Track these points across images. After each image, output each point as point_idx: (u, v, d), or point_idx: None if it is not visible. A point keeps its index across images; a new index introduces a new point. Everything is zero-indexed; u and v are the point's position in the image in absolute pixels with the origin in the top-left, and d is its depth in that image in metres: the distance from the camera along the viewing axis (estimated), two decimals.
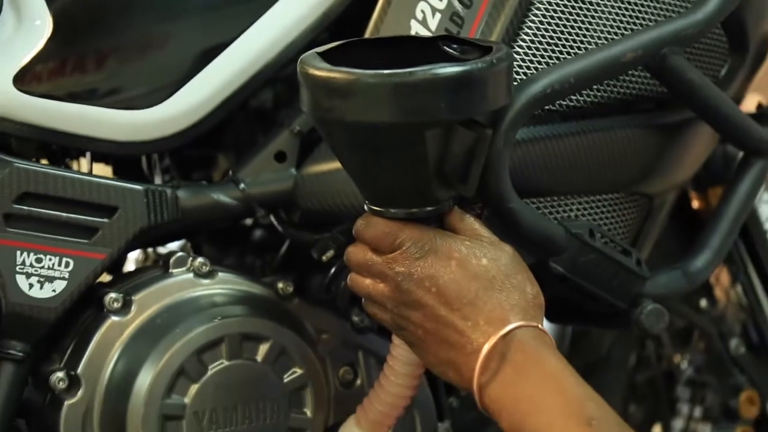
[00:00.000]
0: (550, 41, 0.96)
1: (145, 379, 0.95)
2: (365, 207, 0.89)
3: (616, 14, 0.98)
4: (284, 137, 1.04)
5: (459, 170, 0.86)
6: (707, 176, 1.30)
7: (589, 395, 0.84)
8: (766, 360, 1.39)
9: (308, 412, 0.99)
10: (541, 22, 0.96)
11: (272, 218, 1.04)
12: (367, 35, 1.01)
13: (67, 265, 0.96)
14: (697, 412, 1.40)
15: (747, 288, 1.39)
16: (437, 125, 0.83)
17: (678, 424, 1.41)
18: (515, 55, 0.96)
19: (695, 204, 1.36)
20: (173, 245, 1.14)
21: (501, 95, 0.85)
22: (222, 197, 1.02)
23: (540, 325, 0.86)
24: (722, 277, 1.42)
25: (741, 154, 1.08)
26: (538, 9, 0.96)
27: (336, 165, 0.96)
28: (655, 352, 1.40)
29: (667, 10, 0.99)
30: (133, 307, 0.98)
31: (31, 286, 0.95)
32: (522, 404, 0.83)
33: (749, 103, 1.23)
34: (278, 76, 1.04)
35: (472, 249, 0.87)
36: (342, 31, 1.02)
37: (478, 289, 0.85)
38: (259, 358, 0.98)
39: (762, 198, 1.37)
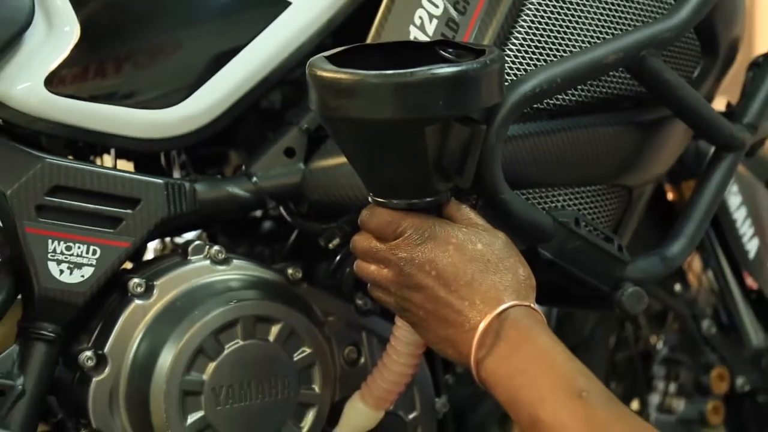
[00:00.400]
0: (539, 44, 0.97)
1: (166, 358, 0.95)
2: (369, 198, 0.90)
3: (599, 19, 0.98)
4: (293, 134, 1.04)
5: (456, 164, 0.86)
6: (681, 170, 1.29)
7: (579, 369, 0.84)
8: (736, 339, 1.39)
9: (316, 389, 1.00)
10: (529, 27, 0.97)
11: (282, 209, 1.05)
12: (369, 40, 1.01)
13: (94, 252, 0.96)
14: (672, 388, 1.40)
15: (717, 273, 1.39)
16: (436, 121, 0.84)
17: (654, 399, 1.41)
18: (506, 57, 0.96)
19: (670, 196, 1.36)
20: (189, 235, 1.15)
21: (494, 94, 0.86)
22: (236, 190, 1.03)
23: (532, 305, 0.87)
24: (694, 264, 1.42)
25: (712, 149, 1.08)
26: (527, 15, 0.97)
27: (342, 160, 0.96)
28: (633, 333, 1.40)
29: (645, 15, 1.00)
30: (155, 292, 0.98)
31: (61, 272, 0.95)
32: (516, 378, 0.84)
33: (718, 106, 1.24)
34: (287, 79, 1.04)
35: (468, 235, 0.87)
36: (345, 36, 1.02)
37: (474, 271, 0.86)
38: (271, 338, 0.98)
39: (731, 190, 1.38)
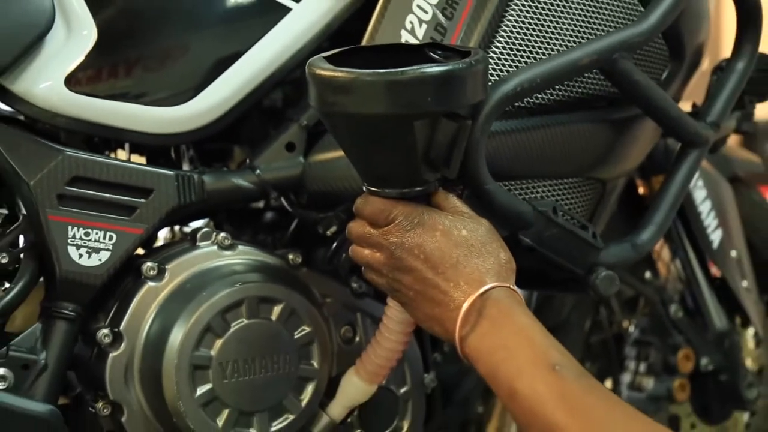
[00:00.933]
0: (520, 47, 0.98)
1: (177, 335, 0.96)
2: (364, 188, 0.90)
3: (575, 25, 0.99)
4: (294, 130, 1.05)
5: (443, 156, 0.87)
6: (651, 166, 1.30)
7: (553, 345, 0.85)
8: (701, 323, 1.40)
9: (315, 364, 1.00)
10: (512, 31, 0.98)
11: (283, 200, 1.05)
12: (363, 43, 1.02)
13: (110, 238, 0.97)
14: (642, 367, 1.41)
15: (684, 262, 1.40)
16: (425, 116, 0.84)
17: (626, 378, 1.42)
18: (490, 59, 0.97)
19: (641, 190, 1.37)
20: (196, 224, 1.15)
21: (478, 91, 0.87)
22: (241, 181, 1.03)
23: (512, 286, 0.87)
24: (663, 253, 1.43)
25: (679, 145, 1.08)
26: (509, 20, 0.98)
27: (339, 153, 0.97)
28: (607, 317, 1.41)
29: (617, 22, 1.01)
30: (166, 275, 0.99)
31: (80, 256, 0.96)
32: (496, 352, 0.84)
33: (684, 108, 1.24)
34: (287, 79, 1.05)
35: (454, 222, 0.88)
36: (342, 40, 1.03)
37: (459, 255, 0.87)
38: (273, 317, 0.99)
39: (696, 184, 1.38)
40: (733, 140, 1.50)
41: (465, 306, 0.86)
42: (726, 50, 1.15)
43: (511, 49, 0.98)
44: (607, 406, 0.82)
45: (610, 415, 0.81)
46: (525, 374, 0.83)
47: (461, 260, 0.87)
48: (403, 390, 1.08)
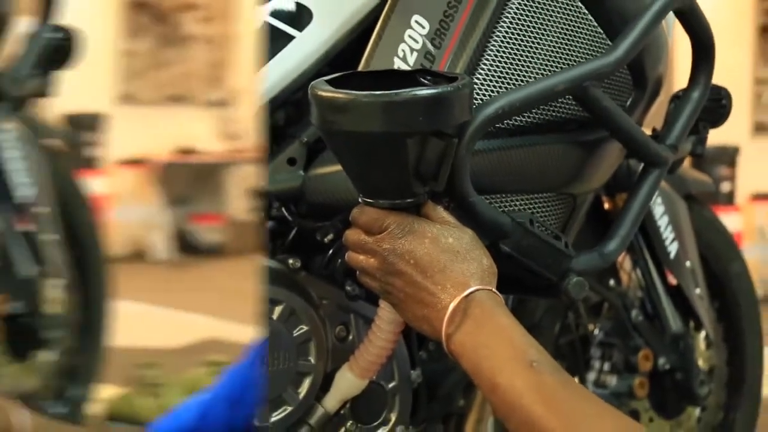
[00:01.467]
0: (501, 74, 0.98)
1: None
2: (360, 199, 0.90)
3: (550, 55, 1.00)
4: (295, 146, 1.05)
5: (432, 171, 0.87)
6: (615, 184, 1.30)
7: (531, 343, 0.85)
8: (658, 326, 1.40)
9: (312, 360, 1.00)
10: (494, 60, 0.98)
11: (284, 210, 1.05)
12: (360, 69, 1.02)
13: None
14: (606, 366, 1.41)
15: (644, 271, 1.40)
16: (416, 135, 0.85)
17: (591, 376, 1.41)
18: (474, 84, 0.97)
19: (606, 206, 1.37)
20: None
21: (464, 113, 0.87)
22: None
23: (494, 289, 0.87)
24: (625, 263, 1.43)
25: (641, 166, 1.09)
26: (492, 50, 0.98)
27: (336, 168, 0.97)
28: (575, 321, 1.40)
29: (588, 53, 1.02)
30: None
31: None
32: (479, 350, 0.84)
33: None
34: (289, 100, 1.05)
35: (441, 231, 0.88)
36: (340, 65, 1.02)
37: (446, 261, 0.87)
38: (274, 317, 0.98)
39: (656, 201, 1.39)
40: (685, 162, 1.52)
41: (451, 307, 0.85)
42: (679, 83, 1.16)
43: (493, 75, 0.98)
44: (580, 399, 0.82)
45: (583, 407, 0.81)
46: (505, 370, 0.83)
47: (448, 265, 0.87)
48: (391, 385, 1.07)
